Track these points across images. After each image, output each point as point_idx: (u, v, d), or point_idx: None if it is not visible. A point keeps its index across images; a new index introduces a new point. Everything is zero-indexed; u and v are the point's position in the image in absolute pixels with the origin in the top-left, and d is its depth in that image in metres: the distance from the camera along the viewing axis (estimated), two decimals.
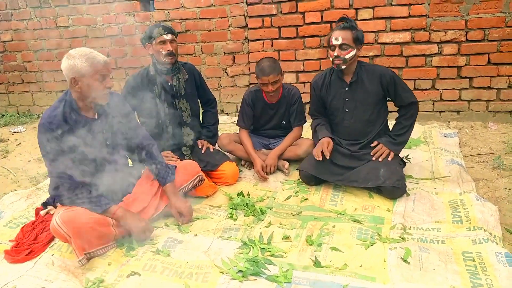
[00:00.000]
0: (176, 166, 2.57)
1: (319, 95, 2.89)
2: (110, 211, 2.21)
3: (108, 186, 2.33)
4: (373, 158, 2.73)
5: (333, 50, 2.61)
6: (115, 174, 2.35)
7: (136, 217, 2.28)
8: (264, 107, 3.18)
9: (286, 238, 2.24)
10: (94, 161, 2.28)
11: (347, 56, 2.59)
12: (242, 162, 3.27)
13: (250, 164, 3.16)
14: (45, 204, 2.48)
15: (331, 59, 2.66)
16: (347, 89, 2.75)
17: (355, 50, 2.61)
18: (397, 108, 2.81)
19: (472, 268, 1.90)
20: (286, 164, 3.07)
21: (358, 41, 2.61)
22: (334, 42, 2.59)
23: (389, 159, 2.69)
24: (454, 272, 1.87)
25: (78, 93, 2.15)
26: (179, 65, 2.96)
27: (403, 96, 2.68)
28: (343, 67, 2.63)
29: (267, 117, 3.22)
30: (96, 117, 2.28)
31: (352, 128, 2.81)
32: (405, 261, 1.96)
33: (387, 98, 2.81)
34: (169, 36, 2.80)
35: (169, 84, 2.94)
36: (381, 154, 2.72)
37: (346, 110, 2.79)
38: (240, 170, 3.11)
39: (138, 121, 2.96)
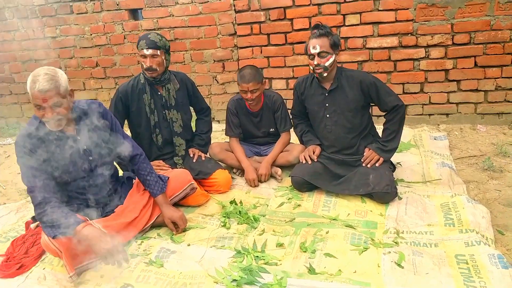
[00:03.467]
0: (168, 178, 2.54)
1: (300, 97, 2.93)
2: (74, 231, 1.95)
3: (93, 201, 2.28)
4: (363, 164, 2.74)
5: (312, 59, 2.63)
6: (100, 189, 2.29)
7: (103, 238, 1.94)
8: (248, 115, 3.18)
9: (280, 245, 2.24)
10: (76, 177, 2.19)
11: (327, 64, 2.61)
12: (234, 170, 3.25)
13: (242, 172, 3.13)
14: (35, 218, 2.45)
15: (311, 68, 2.68)
16: (327, 94, 2.77)
17: (334, 55, 2.62)
18: (384, 114, 2.80)
19: (465, 271, 1.90)
20: (279, 171, 3.07)
21: (336, 46, 2.62)
22: (312, 51, 2.60)
23: (377, 165, 2.70)
24: (448, 275, 1.88)
25: None
26: (169, 76, 2.92)
27: (387, 100, 2.68)
28: (325, 74, 2.66)
29: (252, 125, 3.21)
30: (75, 133, 2.17)
31: (334, 134, 2.82)
32: (399, 265, 1.96)
33: (371, 104, 2.81)
34: (149, 51, 2.70)
35: (159, 94, 2.91)
36: (371, 160, 2.73)
37: (327, 115, 2.80)
38: (232, 178, 3.10)
39: (129, 131, 2.93)
